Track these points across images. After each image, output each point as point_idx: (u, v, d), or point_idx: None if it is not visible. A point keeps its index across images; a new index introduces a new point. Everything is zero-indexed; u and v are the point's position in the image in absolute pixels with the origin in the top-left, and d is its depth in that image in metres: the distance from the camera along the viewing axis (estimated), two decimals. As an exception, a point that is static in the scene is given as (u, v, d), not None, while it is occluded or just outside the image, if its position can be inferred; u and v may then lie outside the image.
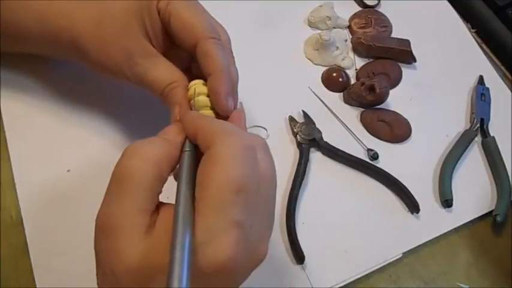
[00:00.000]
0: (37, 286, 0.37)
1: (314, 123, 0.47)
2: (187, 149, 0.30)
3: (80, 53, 0.37)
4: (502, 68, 0.57)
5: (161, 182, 0.28)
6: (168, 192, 0.29)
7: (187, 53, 0.36)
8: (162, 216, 0.27)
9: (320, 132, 0.47)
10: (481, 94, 0.52)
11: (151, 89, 0.35)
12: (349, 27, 0.55)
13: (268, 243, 0.28)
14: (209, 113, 0.34)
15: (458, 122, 0.51)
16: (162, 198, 0.28)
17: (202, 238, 0.25)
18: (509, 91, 0.55)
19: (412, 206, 0.44)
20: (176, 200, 0.26)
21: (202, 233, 0.25)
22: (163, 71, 0.35)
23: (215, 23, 0.37)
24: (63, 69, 0.45)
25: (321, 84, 0.51)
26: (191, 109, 0.34)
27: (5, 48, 0.41)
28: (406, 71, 0.53)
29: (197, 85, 0.34)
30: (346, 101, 0.50)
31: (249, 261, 0.27)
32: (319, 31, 0.53)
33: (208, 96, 0.33)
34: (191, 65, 0.38)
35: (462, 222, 0.45)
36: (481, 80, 0.54)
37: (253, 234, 0.26)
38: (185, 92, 0.34)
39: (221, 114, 0.34)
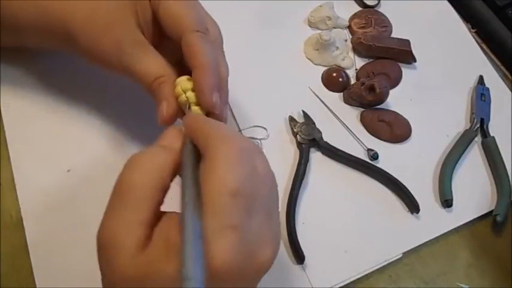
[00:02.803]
0: (37, 286, 0.37)
1: (314, 123, 0.47)
2: (189, 144, 0.29)
3: (73, 43, 0.36)
4: (502, 68, 0.57)
5: (163, 191, 0.28)
6: (171, 193, 0.29)
7: (178, 45, 0.35)
8: (161, 226, 0.27)
9: (320, 132, 0.47)
10: (481, 94, 0.52)
11: (139, 81, 0.35)
12: (349, 27, 0.55)
13: (272, 249, 0.27)
14: (196, 109, 0.33)
15: (458, 122, 0.51)
16: (166, 198, 0.28)
17: None
18: (509, 91, 0.55)
19: (412, 206, 0.44)
20: (182, 197, 0.26)
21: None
22: (151, 63, 0.35)
23: (206, 17, 0.37)
24: (64, 70, 0.45)
25: (321, 84, 0.51)
26: (179, 106, 0.34)
27: (2, 40, 0.40)
28: (406, 71, 0.53)
29: (182, 82, 0.33)
30: (346, 101, 0.50)
31: (249, 265, 0.26)
32: (319, 31, 0.53)
33: (194, 91, 0.33)
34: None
35: (462, 222, 0.45)
36: (481, 80, 0.54)
37: (251, 237, 0.26)
38: (173, 88, 0.34)
39: (208, 110, 0.33)
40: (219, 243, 0.24)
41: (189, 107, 0.33)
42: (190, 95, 0.33)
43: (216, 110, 0.33)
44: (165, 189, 0.28)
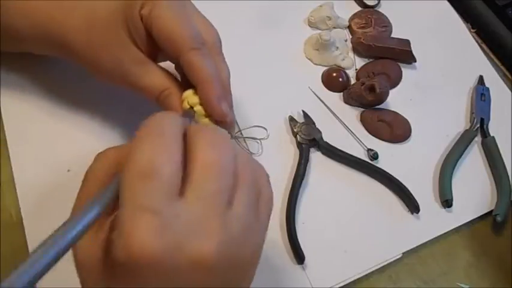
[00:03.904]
0: (37, 286, 0.37)
1: (314, 123, 0.47)
2: None
3: (74, 58, 0.37)
4: (502, 68, 0.57)
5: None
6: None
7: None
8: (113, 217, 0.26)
9: (320, 132, 0.47)
10: (481, 94, 0.52)
11: (145, 96, 0.35)
12: (349, 27, 0.55)
13: (217, 242, 0.24)
14: (206, 121, 0.34)
15: (458, 122, 0.51)
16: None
17: (117, 228, 0.24)
18: (509, 91, 0.55)
19: (412, 206, 0.44)
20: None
21: (116, 223, 0.24)
22: (155, 78, 0.35)
23: (201, 24, 0.36)
24: (64, 70, 0.45)
25: (321, 84, 0.51)
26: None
27: (3, 48, 0.41)
28: (406, 71, 0.53)
29: (189, 97, 0.34)
30: (346, 101, 0.50)
31: (179, 257, 0.23)
32: (319, 31, 0.53)
33: (201, 104, 0.34)
34: None
35: (462, 222, 0.45)
36: (481, 80, 0.54)
37: (180, 224, 0.24)
38: (179, 100, 0.34)
39: (219, 120, 0.34)
40: (135, 225, 0.23)
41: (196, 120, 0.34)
42: (199, 108, 0.34)
43: (227, 118, 0.34)
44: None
